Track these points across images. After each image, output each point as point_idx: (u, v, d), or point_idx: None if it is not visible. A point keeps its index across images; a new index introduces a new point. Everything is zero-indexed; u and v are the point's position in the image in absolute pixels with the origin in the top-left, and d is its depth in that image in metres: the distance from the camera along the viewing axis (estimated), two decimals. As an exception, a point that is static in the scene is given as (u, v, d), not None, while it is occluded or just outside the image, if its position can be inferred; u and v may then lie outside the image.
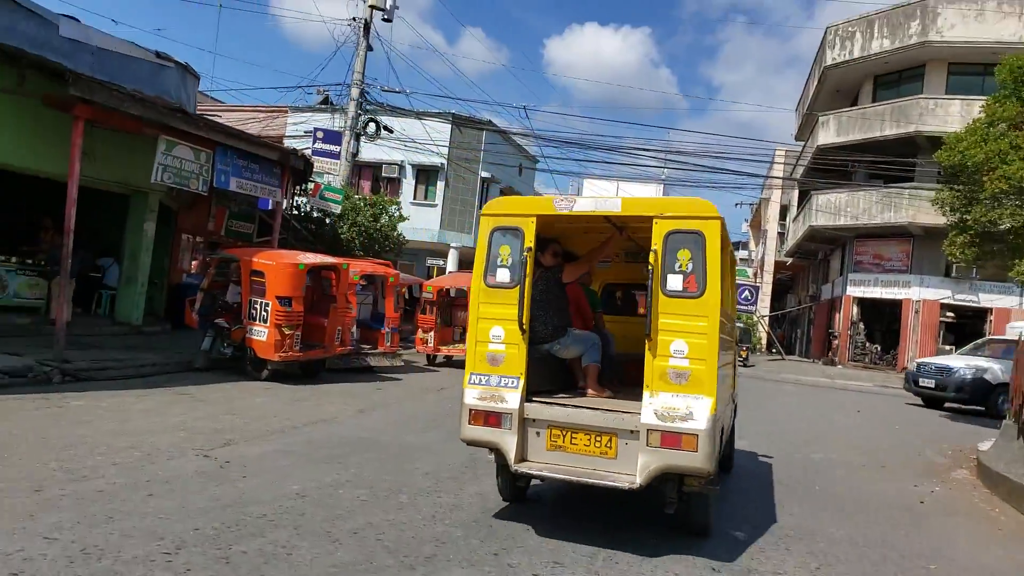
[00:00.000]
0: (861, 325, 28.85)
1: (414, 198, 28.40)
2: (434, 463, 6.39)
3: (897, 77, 28.91)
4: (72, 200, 10.00)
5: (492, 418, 4.68)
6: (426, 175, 29.18)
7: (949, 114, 25.86)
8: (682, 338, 4.42)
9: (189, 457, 5.85)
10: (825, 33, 29.92)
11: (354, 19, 19.91)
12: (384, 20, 20.12)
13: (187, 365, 10.98)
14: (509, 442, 4.62)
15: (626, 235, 5.91)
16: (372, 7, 19.65)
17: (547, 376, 5.28)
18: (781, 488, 6.60)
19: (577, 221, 5.29)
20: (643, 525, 5.05)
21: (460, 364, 15.21)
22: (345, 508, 4.85)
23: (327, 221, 18.45)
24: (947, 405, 15.48)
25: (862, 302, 28.75)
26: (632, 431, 4.44)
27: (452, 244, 28.78)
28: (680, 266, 4.46)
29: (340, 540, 4.22)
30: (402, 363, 13.59)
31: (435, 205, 28.75)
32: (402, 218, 20.22)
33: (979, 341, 17.62)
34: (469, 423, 4.75)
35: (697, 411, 4.28)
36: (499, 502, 5.31)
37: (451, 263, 28.79)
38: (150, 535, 4.03)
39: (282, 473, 5.60)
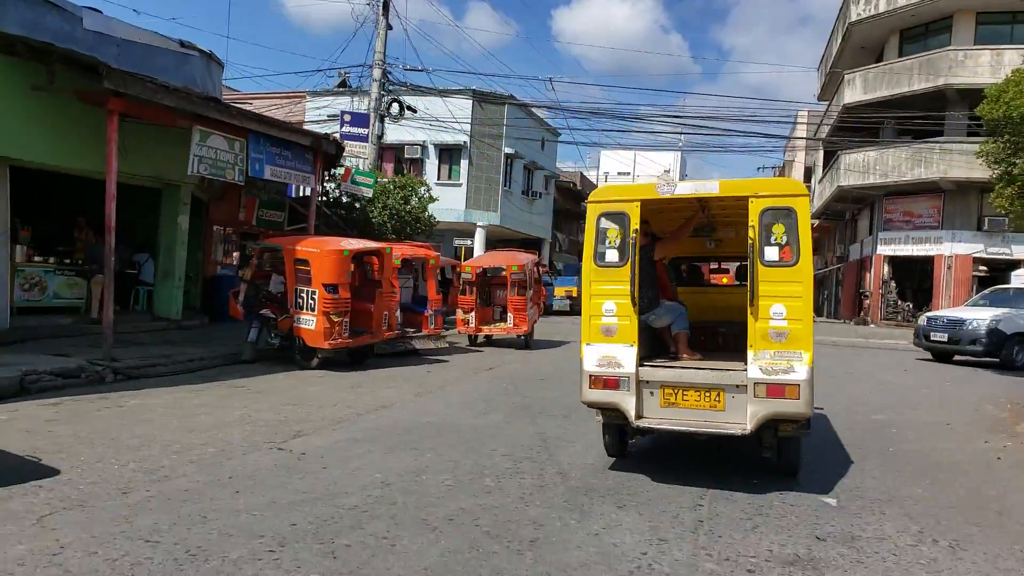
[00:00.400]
0: (893, 283, 28.39)
1: (438, 178, 28.15)
2: (506, 444, 6.30)
3: (924, 30, 28.13)
4: (112, 196, 9.94)
5: (611, 381, 5.21)
6: (449, 154, 28.94)
7: (979, 65, 25.21)
8: (780, 302, 4.94)
9: (263, 451, 5.80)
10: (849, -12, 29.13)
11: (372, -2, 19.61)
12: (400, -2, 19.78)
13: (234, 358, 10.95)
14: (628, 402, 5.18)
15: (707, 213, 6.29)
16: (388, -15, 19.33)
17: (642, 343, 5.59)
18: (854, 451, 6.46)
19: (661, 202, 5.56)
20: (737, 491, 5.00)
21: (501, 343, 15.15)
22: (434, 495, 4.77)
23: (357, 205, 18.33)
24: (956, 358, 15.13)
25: (893, 260, 28.28)
26: (738, 385, 5.02)
27: (479, 223, 28.61)
28: (775, 239, 4.98)
29: (439, 528, 4.14)
30: (446, 345, 13.53)
31: (460, 184, 28.53)
32: (431, 199, 20.07)
33: (986, 291, 17.19)
34: (589, 387, 5.28)
35: (797, 364, 4.84)
36: (581, 481, 5.23)
37: (478, 242, 28.63)
38: (249, 533, 3.97)
39: (361, 462, 5.53)
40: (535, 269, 14.97)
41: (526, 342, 14.60)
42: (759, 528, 4.30)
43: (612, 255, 5.34)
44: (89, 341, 10.90)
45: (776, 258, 4.98)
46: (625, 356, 5.21)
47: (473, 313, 14.25)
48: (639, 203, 5.30)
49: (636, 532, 4.19)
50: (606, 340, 5.27)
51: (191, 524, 4.07)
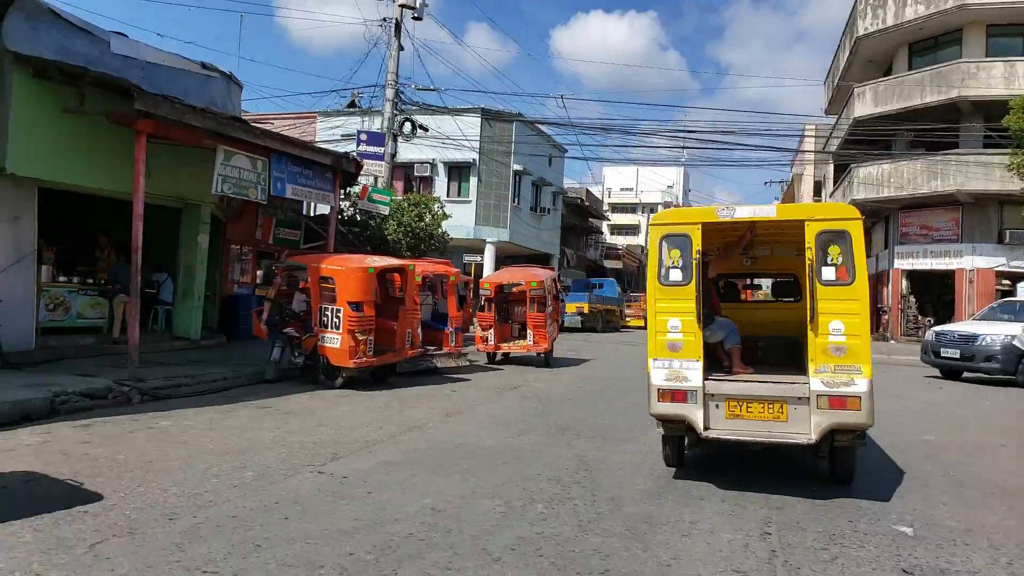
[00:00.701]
0: (912, 298, 28.11)
1: (447, 195, 28.09)
2: (550, 468, 6.14)
3: (933, 43, 28.11)
4: (139, 217, 9.90)
5: (679, 395, 5.47)
6: (458, 172, 28.94)
7: (992, 77, 25.16)
8: (838, 319, 5.22)
9: (304, 474, 5.65)
10: (855, 3, 29.19)
11: (385, 19, 19.71)
12: (414, 19, 19.86)
13: (257, 377, 10.82)
14: (696, 414, 5.44)
15: (754, 232, 6.58)
16: (403, 6, 19.41)
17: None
18: (915, 475, 6.26)
19: (712, 223, 5.82)
20: (802, 515, 4.83)
21: (520, 361, 14.98)
22: (488, 522, 4.62)
23: (372, 223, 18.28)
24: (965, 375, 14.69)
25: (911, 274, 28.04)
26: (800, 398, 5.30)
27: (488, 239, 28.53)
28: (831, 259, 5.29)
29: (502, 559, 3.99)
30: (467, 363, 13.38)
31: (469, 201, 28.51)
32: (444, 216, 20.02)
33: (994, 304, 16.84)
34: (658, 400, 5.53)
35: (857, 378, 5.12)
36: (637, 507, 5.07)
37: (487, 258, 28.53)
38: (308, 563, 3.82)
39: (405, 487, 5.38)
40: (553, 285, 14.85)
41: (546, 360, 14.41)
42: (838, 559, 4.13)
43: (675, 275, 5.60)
44: (112, 361, 10.80)
45: (833, 277, 5.29)
46: (691, 370, 5.47)
47: (492, 330, 14.10)
48: (700, 226, 5.58)
49: (709, 563, 4.02)
50: (672, 355, 5.52)
51: (246, 553, 3.93)
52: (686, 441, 6.08)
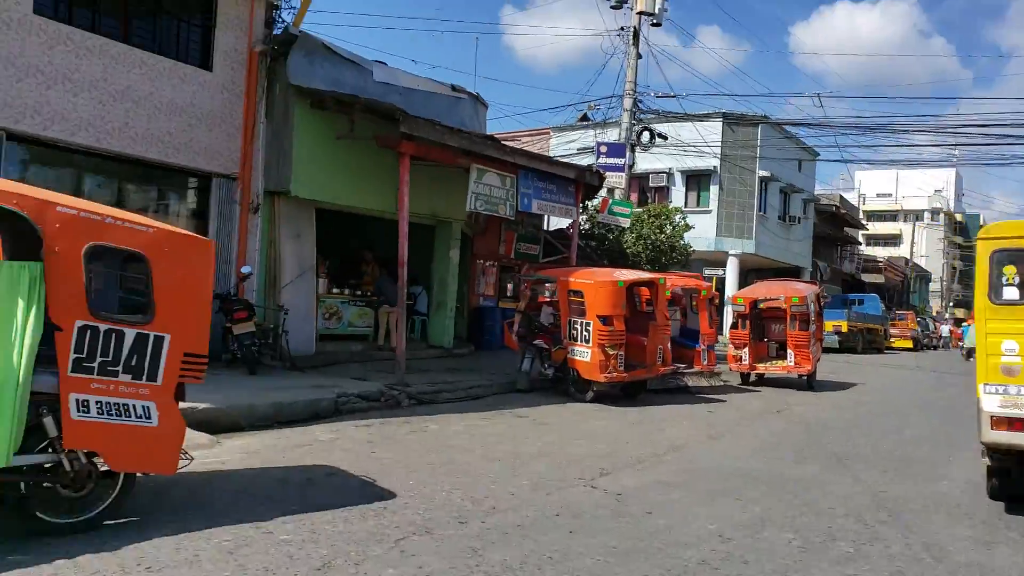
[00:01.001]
0: None
1: (685, 205, 27.12)
2: (842, 502, 5.47)
3: None
4: (404, 234, 10.59)
5: (1017, 424, 4.96)
6: (697, 180, 27.91)
7: None
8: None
9: (578, 488, 5.55)
10: None
11: (623, 28, 19.65)
12: (653, 25, 19.58)
13: (509, 386, 11.08)
14: None
15: None
16: (641, 14, 19.20)
17: None
18: None
19: None
20: None
21: (778, 383, 13.83)
22: (785, 557, 4.15)
23: (610, 236, 18.20)
24: None
25: None
26: None
27: (731, 252, 27.11)
28: None
29: (818, 603, 3.49)
30: (721, 383, 12.68)
31: (709, 211, 27.32)
32: (687, 227, 19.40)
33: None
34: (991, 428, 5.06)
35: None
36: (965, 557, 4.31)
37: (730, 272, 27.11)
38: (603, 584, 3.63)
39: (684, 510, 5.06)
40: (817, 301, 13.56)
41: (808, 383, 13.14)
42: None
43: (1011, 292, 5.17)
44: (379, 367, 11.67)
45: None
46: None
47: (746, 349, 13.17)
48: None
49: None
50: (1007, 380, 5.05)
51: (540, 564, 3.86)
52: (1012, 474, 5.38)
